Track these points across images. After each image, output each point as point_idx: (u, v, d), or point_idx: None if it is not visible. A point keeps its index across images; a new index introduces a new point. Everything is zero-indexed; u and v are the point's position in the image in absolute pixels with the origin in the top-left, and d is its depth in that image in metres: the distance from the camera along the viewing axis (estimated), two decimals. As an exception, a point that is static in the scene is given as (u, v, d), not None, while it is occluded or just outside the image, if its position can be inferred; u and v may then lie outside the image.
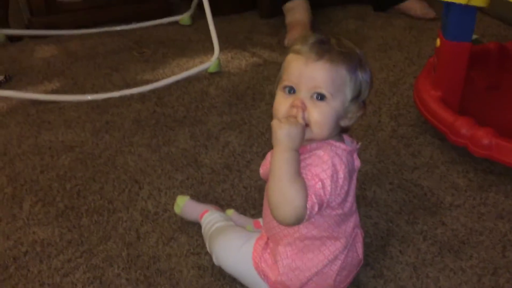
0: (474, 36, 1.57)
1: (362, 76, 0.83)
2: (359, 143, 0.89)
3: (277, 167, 0.78)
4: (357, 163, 0.87)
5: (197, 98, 1.57)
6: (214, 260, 0.98)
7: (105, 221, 1.14)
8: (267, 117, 1.46)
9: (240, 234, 0.93)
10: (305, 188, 0.77)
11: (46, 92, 1.65)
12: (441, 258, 1.02)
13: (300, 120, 0.80)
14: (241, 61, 1.77)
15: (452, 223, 1.10)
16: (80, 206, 1.19)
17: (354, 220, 0.90)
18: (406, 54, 1.75)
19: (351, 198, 0.87)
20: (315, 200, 0.78)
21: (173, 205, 1.14)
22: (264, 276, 0.92)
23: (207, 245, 1.02)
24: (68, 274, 1.03)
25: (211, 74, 1.68)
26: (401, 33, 1.88)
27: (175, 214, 1.14)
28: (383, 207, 1.14)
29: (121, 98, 1.58)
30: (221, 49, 1.72)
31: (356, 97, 0.83)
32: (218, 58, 1.69)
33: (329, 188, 0.79)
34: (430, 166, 1.26)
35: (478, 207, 1.14)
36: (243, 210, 1.15)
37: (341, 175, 0.81)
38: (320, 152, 0.81)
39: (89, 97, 1.59)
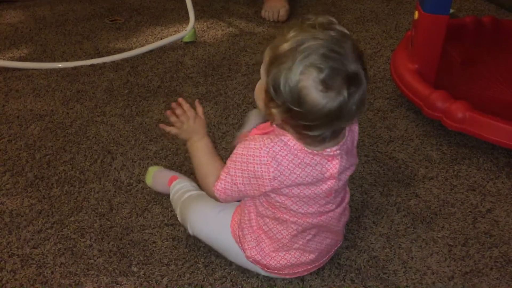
0: (451, 10, 1.57)
1: (275, 73, 0.72)
2: (338, 151, 0.79)
3: (192, 157, 0.90)
4: (334, 171, 0.79)
5: (172, 68, 1.54)
6: (189, 229, 0.97)
7: (76, 192, 1.12)
8: (243, 88, 1.44)
9: (215, 203, 0.92)
10: (214, 171, 0.85)
11: (14, 59, 1.59)
12: (413, 229, 1.04)
13: (189, 114, 0.89)
14: (217, 31, 1.73)
15: (425, 195, 1.11)
16: (50, 176, 1.16)
17: (323, 223, 0.86)
18: (383, 27, 1.74)
19: (307, 201, 0.82)
20: (222, 186, 0.83)
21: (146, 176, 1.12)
22: (240, 244, 0.91)
23: (178, 214, 1.01)
24: (38, 245, 1.00)
25: (186, 43, 1.64)
26: (378, 6, 1.87)
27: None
28: (358, 179, 1.15)
29: (92, 66, 1.53)
30: (196, 19, 1.68)
31: (266, 91, 0.75)
32: (194, 28, 1.65)
33: (239, 182, 0.81)
34: (405, 139, 1.27)
35: (450, 179, 1.15)
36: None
37: (256, 170, 0.79)
38: (252, 142, 0.79)
39: (59, 65, 1.53)
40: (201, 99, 1.40)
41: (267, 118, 0.80)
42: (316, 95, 0.71)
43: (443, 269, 0.96)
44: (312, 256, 0.90)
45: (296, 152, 0.77)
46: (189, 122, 0.89)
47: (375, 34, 1.70)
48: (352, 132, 0.84)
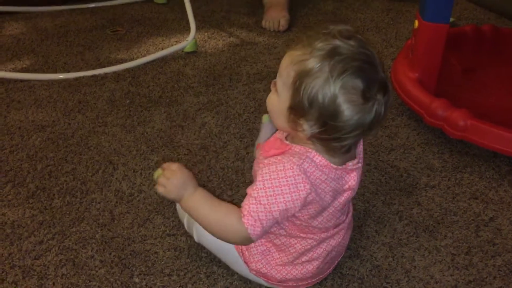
0: (451, 19, 1.58)
1: (308, 86, 0.70)
2: (360, 163, 0.80)
3: (194, 212, 0.81)
4: (352, 183, 0.79)
5: (173, 78, 1.54)
6: (195, 237, 0.97)
7: (78, 203, 1.12)
8: (244, 97, 1.45)
9: None
10: (229, 210, 0.77)
11: (16, 70, 1.59)
12: (416, 237, 1.03)
13: (173, 168, 0.80)
14: (218, 41, 1.74)
15: (427, 204, 1.11)
16: (52, 187, 1.16)
17: (333, 236, 0.86)
18: (383, 36, 1.74)
19: (327, 216, 0.81)
20: (256, 219, 0.75)
21: (148, 185, 1.12)
22: (244, 257, 0.91)
23: (184, 222, 1.00)
24: (39, 257, 1.00)
25: (187, 54, 1.65)
26: (379, 15, 1.88)
27: (151, 195, 1.12)
28: (360, 188, 1.14)
29: (94, 77, 1.54)
30: (197, 29, 1.69)
31: (293, 107, 0.73)
32: (195, 38, 1.65)
33: (274, 209, 0.75)
34: (407, 147, 1.27)
35: (452, 187, 1.15)
36: (220, 191, 1.14)
37: (288, 191, 0.74)
38: (279, 164, 0.74)
39: (60, 75, 1.54)
40: (202, 108, 1.41)
41: (292, 134, 0.78)
42: (356, 108, 0.71)
43: (446, 278, 0.96)
44: (317, 269, 0.89)
45: (322, 168, 0.76)
46: (175, 175, 0.80)
47: (375, 43, 1.71)
48: None
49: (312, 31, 0.74)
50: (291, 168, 0.74)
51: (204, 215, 0.80)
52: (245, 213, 0.76)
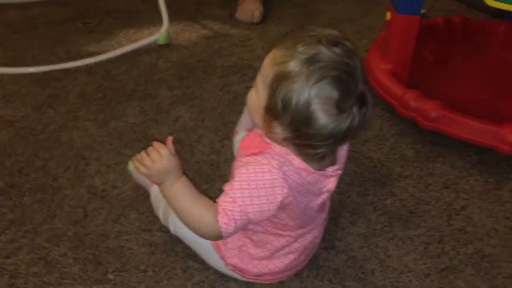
0: (422, 11, 1.59)
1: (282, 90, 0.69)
2: (340, 170, 0.80)
3: (172, 201, 0.79)
4: (331, 187, 0.80)
5: (146, 71, 1.52)
6: (171, 228, 0.96)
7: (49, 199, 1.10)
8: (219, 90, 1.44)
9: None
10: (208, 206, 0.77)
11: (-17, 64, 1.55)
12: (390, 228, 1.05)
13: (162, 152, 0.78)
14: (191, 33, 1.72)
15: (400, 194, 1.12)
16: (22, 184, 1.13)
17: (310, 231, 0.87)
18: (356, 28, 1.75)
19: (303, 215, 0.81)
20: (230, 219, 0.74)
21: (122, 181, 1.11)
22: (220, 252, 0.90)
23: (160, 214, 0.99)
24: (10, 255, 0.98)
25: (160, 46, 1.63)
26: (352, 7, 1.89)
27: (125, 191, 1.11)
28: (335, 180, 1.15)
29: (65, 71, 1.50)
30: (170, 21, 1.66)
31: (269, 108, 0.72)
32: (167, 30, 1.63)
33: (250, 211, 0.75)
34: (380, 138, 1.28)
35: (425, 177, 1.17)
36: (195, 185, 1.12)
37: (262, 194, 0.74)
38: (257, 166, 0.73)
39: (30, 69, 1.50)
40: (176, 102, 1.39)
41: (266, 134, 0.76)
42: (329, 118, 0.69)
43: (419, 266, 0.97)
44: (294, 262, 0.90)
45: (300, 171, 0.75)
46: (162, 161, 0.78)
47: (348, 35, 1.70)
48: None
49: (299, 33, 0.72)
50: (269, 171, 0.73)
51: (182, 207, 0.79)
52: (220, 210, 0.75)
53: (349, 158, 1.20)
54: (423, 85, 1.29)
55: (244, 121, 1.15)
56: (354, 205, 1.10)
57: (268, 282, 0.92)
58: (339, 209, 1.09)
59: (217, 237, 0.78)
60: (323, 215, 0.90)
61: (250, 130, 1.02)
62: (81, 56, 1.57)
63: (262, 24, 1.79)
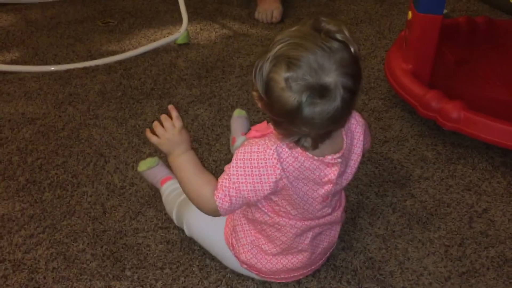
0: (444, 11, 1.57)
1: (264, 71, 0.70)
2: (339, 160, 0.78)
3: (177, 172, 0.83)
4: (332, 177, 0.79)
5: (165, 70, 1.53)
6: (186, 231, 0.96)
7: (69, 196, 1.10)
8: (237, 89, 1.44)
9: None
10: (209, 180, 0.81)
11: (5, 62, 1.57)
12: (409, 229, 1.03)
13: (176, 124, 0.82)
14: (210, 33, 1.72)
15: (420, 195, 1.11)
16: (43, 180, 1.14)
17: (318, 224, 0.86)
18: (377, 28, 1.74)
19: (305, 206, 0.81)
20: (226, 194, 0.78)
21: (140, 178, 1.11)
22: (233, 250, 0.90)
23: (173, 216, 1.00)
24: (30, 250, 0.99)
25: (180, 45, 1.63)
26: (372, 7, 1.87)
27: (143, 188, 1.11)
28: (354, 180, 1.14)
29: (85, 69, 1.52)
30: (189, 20, 1.67)
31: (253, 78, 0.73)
32: (187, 30, 1.64)
33: (244, 189, 0.77)
34: (400, 139, 1.26)
35: (446, 179, 1.15)
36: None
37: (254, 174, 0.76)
38: (254, 146, 0.76)
39: (51, 68, 1.52)
40: (195, 101, 1.40)
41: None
42: (279, 90, 0.69)
43: (439, 269, 0.96)
44: (308, 260, 0.89)
45: (296, 155, 0.76)
46: (173, 131, 0.83)
47: (369, 35, 1.70)
48: (352, 133, 0.83)
49: (307, 18, 0.72)
50: (264, 151, 0.75)
51: (185, 178, 0.82)
52: (218, 186, 0.79)
53: (368, 159, 1.19)
54: (444, 86, 1.27)
55: (237, 127, 1.17)
56: (373, 206, 1.08)
57: (284, 281, 0.92)
58: (357, 209, 1.07)
59: (214, 211, 0.80)
60: (337, 214, 0.87)
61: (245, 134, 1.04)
62: (101, 55, 1.59)
63: (282, 24, 1.78)
